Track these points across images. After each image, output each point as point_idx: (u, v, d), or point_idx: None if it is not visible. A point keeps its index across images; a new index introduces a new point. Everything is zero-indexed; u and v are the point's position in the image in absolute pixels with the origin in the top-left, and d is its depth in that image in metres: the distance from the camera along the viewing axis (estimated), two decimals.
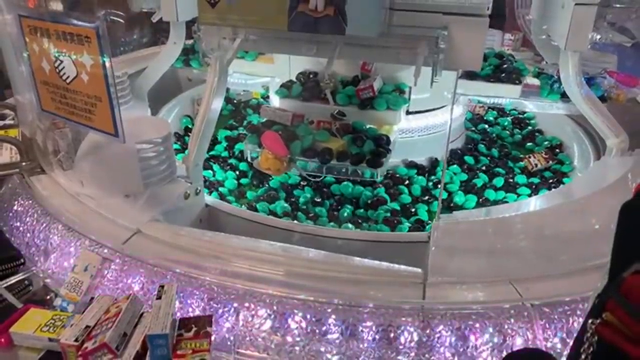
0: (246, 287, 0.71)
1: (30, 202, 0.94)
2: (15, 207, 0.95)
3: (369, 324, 0.66)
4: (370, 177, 1.04)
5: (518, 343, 0.65)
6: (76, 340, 0.61)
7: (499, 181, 1.31)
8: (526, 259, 0.79)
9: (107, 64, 0.68)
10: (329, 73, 0.97)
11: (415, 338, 0.65)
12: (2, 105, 1.30)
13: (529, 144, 1.55)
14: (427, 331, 0.65)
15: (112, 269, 0.78)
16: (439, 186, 1.23)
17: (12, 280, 0.80)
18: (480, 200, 1.24)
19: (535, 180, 1.34)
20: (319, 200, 1.20)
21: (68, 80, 0.76)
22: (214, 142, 1.46)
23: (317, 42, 0.94)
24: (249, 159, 1.13)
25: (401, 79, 1.28)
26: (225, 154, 1.41)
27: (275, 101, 1.30)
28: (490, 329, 0.66)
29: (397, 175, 1.28)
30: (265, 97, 1.72)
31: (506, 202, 1.23)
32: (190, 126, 1.53)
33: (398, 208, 1.17)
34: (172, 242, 0.83)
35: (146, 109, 1.41)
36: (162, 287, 0.65)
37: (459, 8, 0.86)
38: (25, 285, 0.81)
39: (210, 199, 1.10)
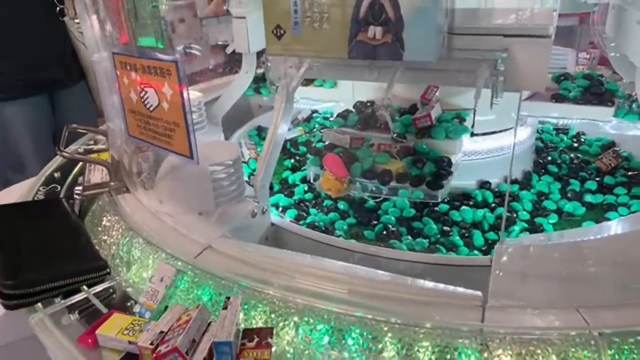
0: (306, 302, 0.74)
1: (116, 218, 1.04)
2: (104, 223, 1.06)
3: (425, 344, 0.66)
4: (432, 199, 1.04)
5: None
6: (151, 343, 0.67)
7: (591, 184, 1.28)
8: (596, 286, 0.76)
9: (185, 94, 0.76)
10: (388, 97, 1.00)
11: None
12: (96, 132, 1.46)
13: (581, 146, 1.53)
14: (485, 354, 0.64)
15: (185, 281, 0.84)
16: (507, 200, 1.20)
17: (99, 288, 0.89)
18: (583, 205, 1.22)
19: (621, 179, 1.31)
20: (447, 229, 1.14)
21: (151, 109, 0.85)
22: (290, 185, 1.41)
23: (377, 68, 0.98)
24: (311, 180, 1.17)
25: (462, 105, 1.28)
26: (308, 196, 1.34)
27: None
28: (554, 357, 0.63)
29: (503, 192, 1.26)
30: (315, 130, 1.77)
31: (610, 204, 1.21)
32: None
33: (527, 226, 1.14)
34: (239, 257, 0.88)
35: (220, 134, 1.51)
36: (228, 298, 0.70)
37: (521, 30, 0.85)
38: (110, 293, 0.89)
39: (275, 218, 1.15)
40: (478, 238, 1.10)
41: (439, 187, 1.02)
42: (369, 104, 1.31)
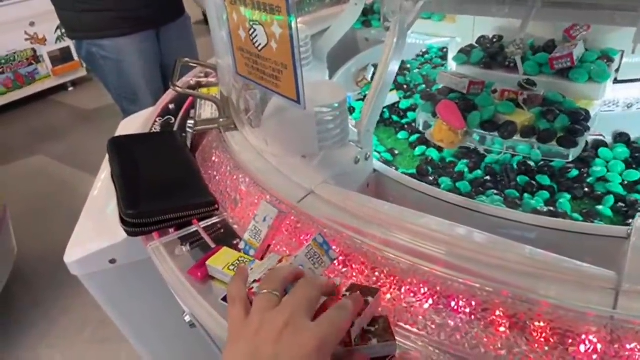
0: (409, 262, 0.71)
1: (225, 155, 1.07)
2: (213, 158, 1.09)
3: (542, 324, 0.60)
4: (561, 158, 0.91)
5: None
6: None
7: None
8: None
9: (295, 34, 0.71)
10: (521, 37, 0.86)
11: (600, 351, 0.57)
12: (206, 66, 1.48)
13: None
14: (616, 346, 0.57)
15: (287, 224, 0.85)
16: None
17: (209, 222, 0.94)
18: None
19: None
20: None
21: (260, 48, 0.82)
22: (441, 163, 1.19)
23: (510, 2, 0.84)
24: (421, 129, 1.09)
25: (610, 43, 1.07)
26: (476, 174, 1.12)
27: (453, 67, 1.21)
28: None
29: None
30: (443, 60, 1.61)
31: None
32: None
33: None
34: (341, 205, 0.85)
35: (325, 71, 1.46)
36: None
37: None
38: (218, 228, 0.93)
39: (378, 164, 1.11)
40: None
41: (572, 144, 0.89)
42: (495, 39, 1.15)
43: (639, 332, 0.57)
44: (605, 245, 0.78)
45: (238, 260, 0.80)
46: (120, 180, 0.99)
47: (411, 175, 1.01)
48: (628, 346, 0.56)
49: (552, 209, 0.94)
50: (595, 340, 0.58)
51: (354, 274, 0.74)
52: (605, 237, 0.79)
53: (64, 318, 2.20)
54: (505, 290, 0.64)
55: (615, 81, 1.09)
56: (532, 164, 1.05)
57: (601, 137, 1.09)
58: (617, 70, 1.10)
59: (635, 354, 0.56)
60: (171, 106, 1.43)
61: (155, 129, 1.31)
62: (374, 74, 1.47)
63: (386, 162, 1.09)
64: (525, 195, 1.01)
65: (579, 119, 0.92)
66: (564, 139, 0.89)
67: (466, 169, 1.11)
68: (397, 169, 1.07)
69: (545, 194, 1.00)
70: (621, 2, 0.75)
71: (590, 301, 0.61)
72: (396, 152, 1.24)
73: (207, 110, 1.26)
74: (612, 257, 0.71)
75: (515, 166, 1.06)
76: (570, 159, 0.90)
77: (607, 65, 1.01)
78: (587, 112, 0.94)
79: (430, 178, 1.10)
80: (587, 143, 1.08)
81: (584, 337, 0.58)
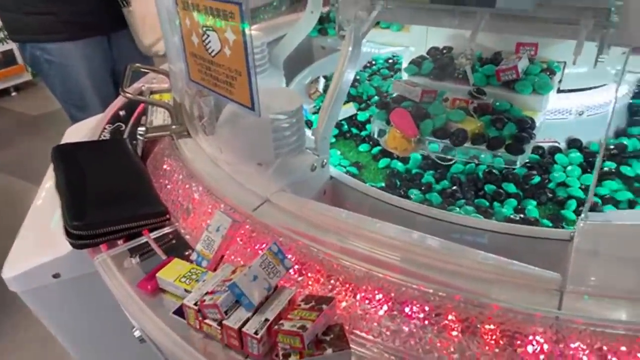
0: (365, 269, 0.71)
1: (177, 163, 1.04)
2: (164, 166, 1.06)
3: (492, 327, 0.61)
4: (509, 165, 0.95)
5: None
6: (195, 304, 0.67)
7: None
8: None
9: (248, 40, 0.70)
10: (471, 47, 0.89)
11: (546, 351, 0.59)
12: (158, 72, 1.44)
13: None
14: (561, 346, 0.59)
15: (242, 234, 0.83)
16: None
17: (159, 233, 0.90)
18: None
19: None
20: None
21: (213, 54, 0.80)
22: (410, 175, 1.19)
23: (460, 14, 0.87)
24: (375, 136, 1.10)
25: (552, 56, 1.13)
26: (448, 185, 1.12)
27: (405, 77, 1.24)
28: None
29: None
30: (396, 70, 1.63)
31: None
32: None
33: None
34: (297, 213, 0.85)
35: (281, 77, 1.45)
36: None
37: None
38: (170, 239, 0.90)
39: (334, 171, 1.11)
40: None
41: (520, 151, 0.92)
42: (445, 50, 1.18)
43: (582, 332, 0.59)
44: (551, 248, 0.81)
45: (190, 272, 0.78)
46: (66, 190, 0.94)
47: (380, 189, 1.02)
48: (572, 345, 0.58)
49: (522, 216, 0.98)
50: (542, 340, 0.59)
51: (310, 283, 0.74)
52: (551, 240, 0.82)
53: (4, 338, 2.07)
54: (458, 294, 0.65)
55: (559, 91, 1.15)
56: (496, 172, 1.09)
57: (556, 144, 1.15)
58: (560, 81, 1.15)
59: (579, 353, 0.59)
60: (122, 113, 1.38)
61: (104, 136, 1.26)
62: (325, 85, 1.48)
63: (353, 176, 1.10)
64: (495, 203, 1.04)
65: (525, 127, 0.96)
66: (512, 146, 0.93)
67: (433, 180, 1.13)
68: (365, 183, 1.08)
69: (513, 202, 1.03)
70: (564, 15, 0.79)
71: (537, 303, 0.63)
72: (360, 164, 1.24)
73: (159, 117, 1.22)
74: (553, 258, 0.74)
75: (481, 175, 1.09)
76: (518, 165, 0.94)
77: (549, 77, 1.06)
78: (533, 121, 0.99)
79: (400, 191, 1.11)
80: (543, 149, 1.14)
81: (531, 337, 0.60)
